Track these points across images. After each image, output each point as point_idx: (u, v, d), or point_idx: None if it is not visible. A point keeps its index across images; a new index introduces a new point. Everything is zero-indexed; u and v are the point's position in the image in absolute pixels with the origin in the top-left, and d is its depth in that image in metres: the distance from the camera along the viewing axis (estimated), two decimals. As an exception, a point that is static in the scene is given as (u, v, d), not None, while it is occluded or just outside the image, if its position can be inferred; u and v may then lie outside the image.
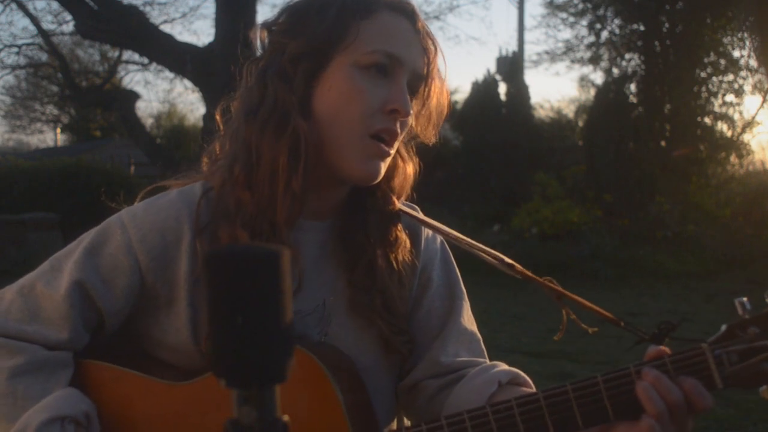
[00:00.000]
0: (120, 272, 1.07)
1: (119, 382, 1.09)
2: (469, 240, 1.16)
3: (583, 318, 1.11)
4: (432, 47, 1.13)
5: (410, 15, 1.12)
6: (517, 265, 1.13)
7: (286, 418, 0.51)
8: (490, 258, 1.14)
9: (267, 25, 1.13)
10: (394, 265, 1.17)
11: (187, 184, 1.16)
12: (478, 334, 1.24)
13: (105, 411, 1.07)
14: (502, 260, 1.13)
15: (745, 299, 0.95)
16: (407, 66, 1.09)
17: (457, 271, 1.27)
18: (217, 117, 1.18)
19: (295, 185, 1.05)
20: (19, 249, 10.50)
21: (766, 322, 0.94)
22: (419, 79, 1.11)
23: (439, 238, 1.26)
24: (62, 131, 29.18)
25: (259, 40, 1.14)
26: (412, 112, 1.12)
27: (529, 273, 1.13)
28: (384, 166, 1.11)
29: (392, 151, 1.11)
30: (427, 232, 1.25)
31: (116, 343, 1.14)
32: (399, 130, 1.09)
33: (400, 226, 1.19)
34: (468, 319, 1.24)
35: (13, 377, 1.02)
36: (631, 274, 9.45)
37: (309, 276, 1.13)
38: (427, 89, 1.13)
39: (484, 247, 1.15)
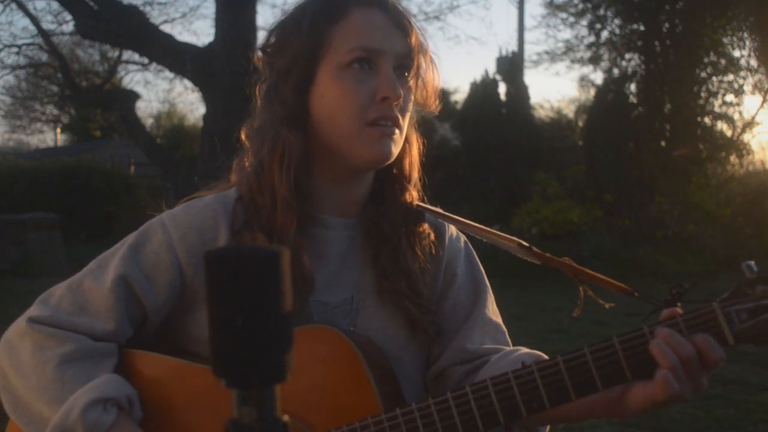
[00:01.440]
0: (162, 268, 1.15)
1: (158, 368, 1.16)
2: (486, 228, 1.23)
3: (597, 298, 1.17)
4: (408, 24, 1.17)
5: (381, 3, 1.17)
6: (534, 248, 1.18)
7: (286, 417, 0.51)
8: (507, 243, 1.20)
9: (262, 49, 1.21)
10: (417, 251, 1.22)
11: (221, 191, 1.25)
12: (504, 327, 1.29)
13: (146, 397, 1.14)
14: (520, 244, 1.19)
15: (752, 262, 0.98)
16: (388, 52, 1.14)
17: (481, 267, 1.32)
18: (243, 137, 1.25)
19: (284, 191, 1.14)
20: (19, 249, 10.49)
21: None
22: (405, 58, 1.16)
23: (462, 237, 1.32)
24: (62, 131, 29.17)
25: (261, 63, 1.22)
26: (410, 87, 1.18)
27: (546, 254, 1.19)
28: (395, 146, 1.16)
29: (398, 131, 1.16)
30: (451, 231, 1.31)
31: (158, 342, 1.20)
32: (398, 114, 1.14)
33: (422, 221, 1.25)
34: (493, 312, 1.29)
35: (61, 364, 1.09)
36: (631, 274, 9.43)
37: (337, 270, 1.21)
38: (416, 63, 1.18)
39: (501, 233, 1.21)
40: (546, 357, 1.16)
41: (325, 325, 1.13)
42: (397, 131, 1.15)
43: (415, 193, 1.26)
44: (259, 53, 1.22)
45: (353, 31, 1.13)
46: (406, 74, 1.17)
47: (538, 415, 1.06)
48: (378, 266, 1.20)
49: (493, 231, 1.21)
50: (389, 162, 1.17)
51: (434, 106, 1.26)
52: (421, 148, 1.28)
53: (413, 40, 1.17)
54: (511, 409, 1.00)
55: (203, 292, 1.15)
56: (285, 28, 1.19)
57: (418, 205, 1.26)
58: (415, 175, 1.27)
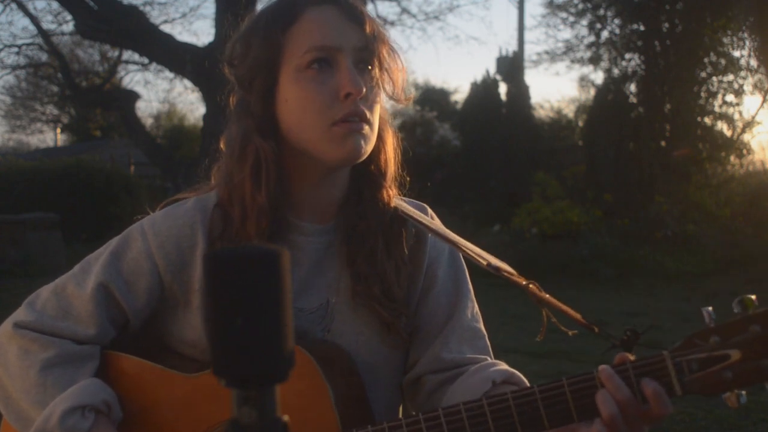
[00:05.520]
0: (140, 275, 1.18)
1: (140, 372, 1.19)
2: (461, 241, 1.21)
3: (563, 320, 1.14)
4: (363, 15, 1.16)
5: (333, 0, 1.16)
6: (502, 269, 1.16)
7: (286, 418, 0.51)
8: (477, 258, 1.18)
9: (228, 61, 1.21)
10: (393, 251, 1.21)
11: (204, 192, 1.25)
12: (484, 332, 1.27)
13: (127, 399, 1.17)
14: (489, 264, 1.17)
15: (710, 308, 0.98)
16: (345, 48, 1.13)
17: (466, 270, 1.30)
18: (221, 146, 1.25)
19: (260, 200, 1.14)
20: (19, 249, 10.49)
21: (728, 331, 0.96)
22: (364, 50, 1.15)
23: None
24: (62, 131, 29.15)
25: (229, 75, 1.22)
26: (375, 80, 1.16)
27: (512, 277, 1.16)
28: (366, 142, 1.15)
29: (367, 126, 1.14)
30: None
31: (142, 339, 1.24)
32: (364, 109, 1.13)
33: (400, 221, 1.23)
34: (473, 317, 1.26)
35: (44, 369, 1.13)
36: (631, 274, 9.44)
37: (313, 276, 1.20)
38: (377, 55, 1.16)
39: (474, 251, 1.20)
40: (519, 375, 1.17)
41: None
42: (366, 126, 1.14)
43: (392, 191, 1.25)
44: (227, 66, 1.22)
45: (306, 33, 1.13)
46: (369, 67, 1.16)
47: None
48: (353, 269, 1.19)
49: (464, 242, 1.21)
50: (361, 158, 1.15)
51: (403, 98, 1.24)
52: (398, 143, 1.27)
53: (370, 30, 1.15)
54: None
55: (182, 297, 1.18)
56: (243, 38, 1.18)
57: (396, 207, 1.24)
58: (392, 170, 1.25)
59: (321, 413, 1.08)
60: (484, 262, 1.16)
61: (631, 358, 0.98)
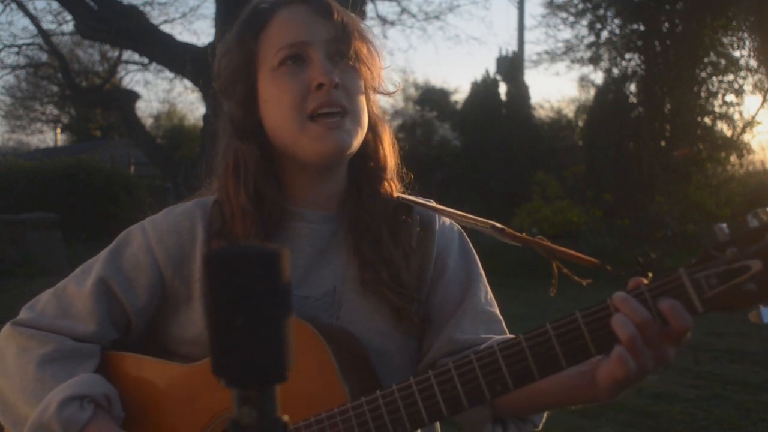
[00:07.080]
0: (141, 270, 1.18)
1: (140, 368, 1.18)
2: (459, 212, 1.23)
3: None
4: (331, 9, 1.17)
5: None
6: (507, 229, 1.18)
7: (286, 417, 0.51)
8: (482, 226, 1.20)
9: (216, 73, 1.25)
10: (400, 240, 1.21)
11: (204, 196, 1.28)
12: (500, 317, 1.25)
13: (129, 398, 1.16)
14: (493, 226, 1.19)
15: (724, 225, 0.91)
16: (316, 42, 1.14)
17: (476, 258, 1.29)
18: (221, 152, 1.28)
19: (242, 200, 1.16)
20: (19, 249, 10.49)
21: (745, 241, 0.89)
22: (337, 42, 1.16)
23: (456, 227, 1.30)
24: (62, 131, 29.19)
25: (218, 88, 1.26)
26: (354, 70, 1.17)
27: (518, 234, 1.17)
28: (350, 136, 1.15)
29: (348, 119, 1.14)
30: (443, 221, 1.28)
31: (144, 344, 1.23)
32: (341, 100, 1.13)
33: (404, 211, 1.24)
34: (487, 301, 1.25)
35: (42, 363, 1.12)
36: (630, 274, 9.44)
37: (316, 263, 1.20)
38: (351, 46, 1.17)
39: (474, 216, 1.22)
40: None
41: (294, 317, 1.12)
42: (346, 120, 1.14)
43: (394, 184, 1.25)
44: (215, 80, 1.25)
45: (277, 34, 1.16)
46: (346, 59, 1.16)
47: (512, 400, 1.04)
48: (359, 257, 1.19)
49: (466, 214, 1.22)
50: (347, 152, 1.15)
51: (386, 89, 1.25)
52: (394, 139, 1.27)
53: (340, 21, 1.16)
54: (475, 393, 0.97)
55: (183, 292, 1.17)
56: (220, 50, 1.23)
57: (399, 197, 1.25)
58: (391, 165, 1.25)
59: (328, 385, 1.07)
60: (488, 226, 1.18)
61: (644, 281, 0.93)
